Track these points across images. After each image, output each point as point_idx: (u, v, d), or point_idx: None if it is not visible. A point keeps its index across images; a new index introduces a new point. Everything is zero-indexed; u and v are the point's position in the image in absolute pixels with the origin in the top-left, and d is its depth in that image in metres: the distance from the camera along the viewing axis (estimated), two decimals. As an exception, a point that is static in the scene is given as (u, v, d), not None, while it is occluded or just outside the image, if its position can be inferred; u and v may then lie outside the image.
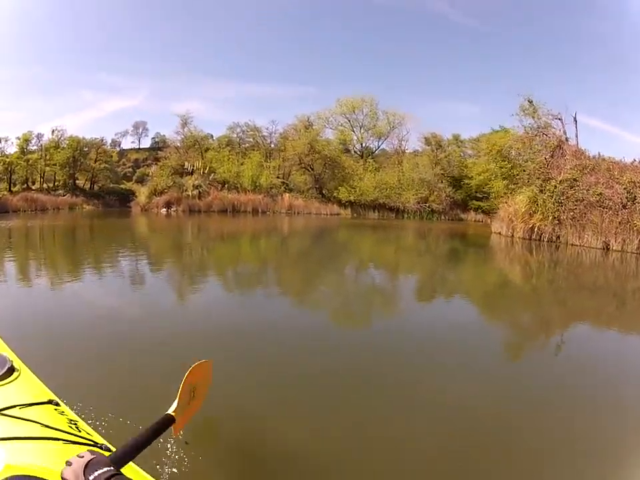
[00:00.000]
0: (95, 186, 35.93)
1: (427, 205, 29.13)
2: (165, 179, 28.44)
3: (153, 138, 50.31)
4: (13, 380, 1.37)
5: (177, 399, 1.65)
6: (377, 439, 2.39)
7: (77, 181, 35.25)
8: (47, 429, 1.10)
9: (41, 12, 56.05)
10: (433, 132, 32.33)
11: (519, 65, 59.86)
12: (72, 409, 1.44)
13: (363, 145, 34.77)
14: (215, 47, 65.32)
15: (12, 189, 33.73)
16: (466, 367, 3.54)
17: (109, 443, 1.21)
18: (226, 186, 28.83)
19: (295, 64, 64.49)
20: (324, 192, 30.30)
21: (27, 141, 35.72)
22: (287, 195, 28.69)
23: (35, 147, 36.13)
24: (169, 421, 1.50)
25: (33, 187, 34.51)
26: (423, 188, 29.14)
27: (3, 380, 1.35)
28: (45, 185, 34.96)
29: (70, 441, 1.08)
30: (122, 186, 36.84)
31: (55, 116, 59.79)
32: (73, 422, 1.24)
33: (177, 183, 28.04)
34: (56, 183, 35.26)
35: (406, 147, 33.87)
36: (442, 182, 30.12)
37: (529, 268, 10.47)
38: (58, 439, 1.07)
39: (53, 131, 35.38)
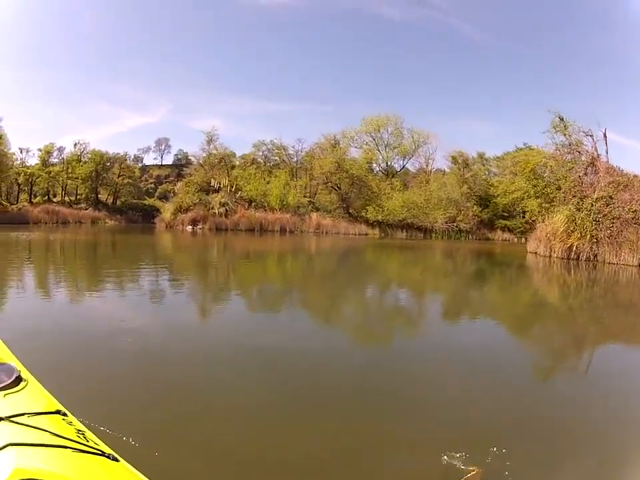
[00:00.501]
0: (117, 201, 35.83)
1: (455, 224, 28.75)
2: (191, 195, 28.23)
3: (175, 154, 50.80)
4: (21, 389, 1.40)
5: None
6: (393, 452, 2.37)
7: (99, 196, 35.15)
8: (55, 437, 1.11)
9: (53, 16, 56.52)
10: (460, 150, 32.03)
11: (530, 81, 60.15)
12: (79, 420, 1.44)
13: (389, 163, 34.49)
14: (234, 61, 66.18)
15: (32, 200, 33.72)
16: (495, 387, 3.50)
17: (117, 453, 1.21)
18: (253, 204, 28.55)
19: (310, 81, 65.29)
20: (350, 211, 30.00)
21: (48, 152, 35.81)
22: (315, 214, 28.38)
23: (57, 160, 36.18)
24: None
25: (54, 200, 34.43)
26: (450, 207, 28.77)
27: (11, 389, 1.37)
28: (66, 198, 34.90)
29: (78, 450, 1.08)
30: (145, 202, 36.69)
31: (72, 128, 60.16)
32: (80, 432, 1.25)
33: (202, 200, 27.82)
34: (78, 197, 35.20)
35: (432, 166, 33.58)
36: (469, 201, 29.79)
37: (569, 288, 10.35)
38: (67, 447, 1.07)
39: (75, 144, 35.54)
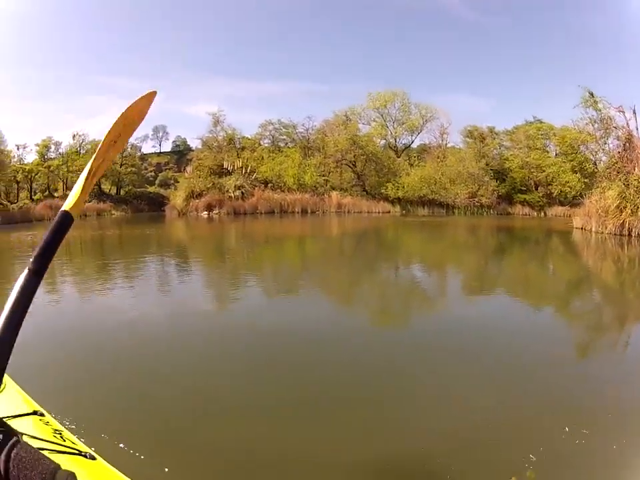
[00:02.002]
0: (121, 191, 34.42)
1: (476, 199, 28.09)
2: (203, 179, 26.97)
3: (173, 141, 49.64)
4: None
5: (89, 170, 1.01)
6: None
7: (101, 186, 33.70)
8: (32, 439, 1.09)
9: (46, 15, 54.85)
10: (474, 125, 31.42)
11: (523, 56, 60.04)
12: (56, 419, 1.37)
13: (397, 139, 33.66)
14: (225, 45, 64.95)
15: (33, 197, 32.17)
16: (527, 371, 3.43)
17: (94, 452, 1.18)
18: (269, 186, 27.44)
19: (303, 61, 64.10)
20: (367, 189, 29.13)
21: (46, 147, 34.25)
22: (335, 193, 27.40)
23: (54, 155, 34.68)
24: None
25: (56, 195, 32.90)
26: (471, 182, 28.10)
27: None
28: (67, 192, 33.31)
29: (55, 450, 1.10)
30: (150, 189, 35.36)
31: (67, 123, 58.20)
32: (57, 432, 1.26)
33: (216, 184, 26.59)
34: (79, 190, 33.68)
35: (448, 141, 32.86)
36: (486, 175, 29.22)
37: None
38: (43, 449, 1.05)
39: (73, 136, 33.92)
